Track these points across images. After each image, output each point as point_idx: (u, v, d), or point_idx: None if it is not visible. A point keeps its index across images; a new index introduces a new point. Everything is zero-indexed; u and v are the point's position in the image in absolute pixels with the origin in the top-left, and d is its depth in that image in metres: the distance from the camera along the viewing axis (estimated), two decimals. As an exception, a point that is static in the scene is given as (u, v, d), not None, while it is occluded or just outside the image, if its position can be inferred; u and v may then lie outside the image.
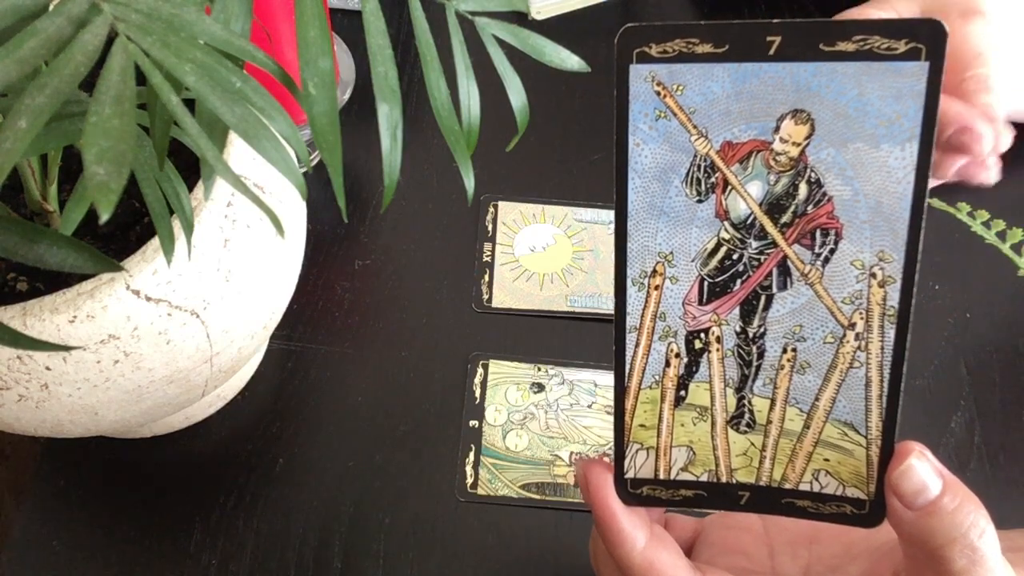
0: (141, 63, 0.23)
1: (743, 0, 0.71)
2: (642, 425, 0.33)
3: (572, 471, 0.50)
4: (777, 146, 0.29)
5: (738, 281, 0.31)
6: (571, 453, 0.51)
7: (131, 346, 0.37)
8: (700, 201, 0.30)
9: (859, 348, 0.31)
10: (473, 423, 0.52)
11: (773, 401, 0.32)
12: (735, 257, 0.31)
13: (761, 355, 0.32)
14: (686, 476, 0.33)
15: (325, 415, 0.52)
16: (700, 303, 0.32)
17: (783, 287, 0.31)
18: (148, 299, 0.37)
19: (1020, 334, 0.55)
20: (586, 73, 0.33)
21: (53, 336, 0.36)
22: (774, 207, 0.30)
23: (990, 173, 0.42)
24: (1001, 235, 0.49)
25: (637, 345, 0.32)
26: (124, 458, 0.51)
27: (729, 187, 0.30)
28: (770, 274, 0.31)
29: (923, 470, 0.30)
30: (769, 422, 0.32)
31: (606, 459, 0.34)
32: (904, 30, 0.27)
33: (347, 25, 0.68)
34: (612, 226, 0.60)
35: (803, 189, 0.30)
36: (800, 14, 0.70)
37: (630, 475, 0.34)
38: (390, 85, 0.29)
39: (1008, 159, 0.43)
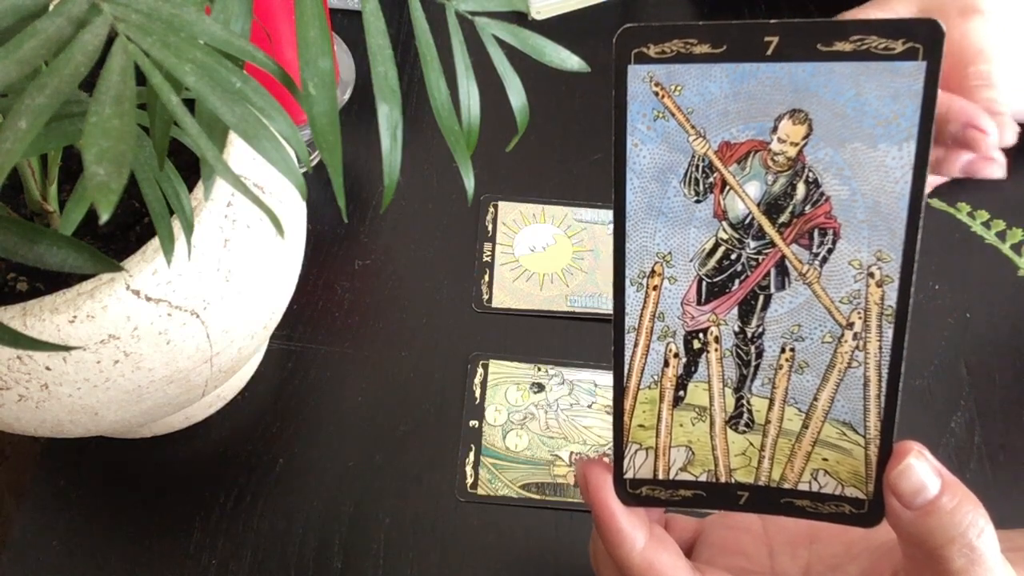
0: (141, 63, 0.23)
1: (743, 0, 0.71)
2: (641, 425, 0.33)
3: (572, 471, 0.50)
4: (775, 146, 0.29)
5: (736, 281, 0.31)
6: (571, 453, 0.51)
7: (131, 346, 0.37)
8: (698, 201, 0.30)
9: (857, 348, 0.31)
10: (473, 423, 0.52)
11: (772, 401, 0.32)
12: (733, 257, 0.31)
13: (759, 355, 0.32)
14: (685, 476, 0.33)
15: (325, 415, 0.52)
16: (698, 303, 0.32)
17: (781, 287, 0.31)
18: (148, 299, 0.37)
19: (1020, 334, 0.55)
20: (586, 73, 0.33)
21: (53, 336, 0.36)
22: (772, 207, 0.30)
23: (996, 168, 0.42)
24: (1001, 235, 0.49)
25: (636, 345, 0.32)
26: (124, 458, 0.51)
27: (727, 187, 0.30)
28: (768, 274, 0.31)
29: (922, 470, 0.30)
30: (768, 422, 0.32)
31: (606, 459, 0.34)
32: (901, 30, 0.27)
33: (347, 25, 0.68)
34: (612, 226, 0.60)
35: (801, 189, 0.30)
36: (800, 14, 0.70)
37: (629, 475, 0.34)
38: (390, 85, 0.29)
39: (1008, 159, 0.43)
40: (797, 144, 0.29)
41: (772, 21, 0.28)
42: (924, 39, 0.27)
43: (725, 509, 0.34)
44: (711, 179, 0.30)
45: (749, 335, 0.32)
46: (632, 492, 0.34)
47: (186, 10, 0.25)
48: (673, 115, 0.29)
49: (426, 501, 0.49)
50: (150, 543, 0.48)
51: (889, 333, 0.30)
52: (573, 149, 0.63)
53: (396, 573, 0.47)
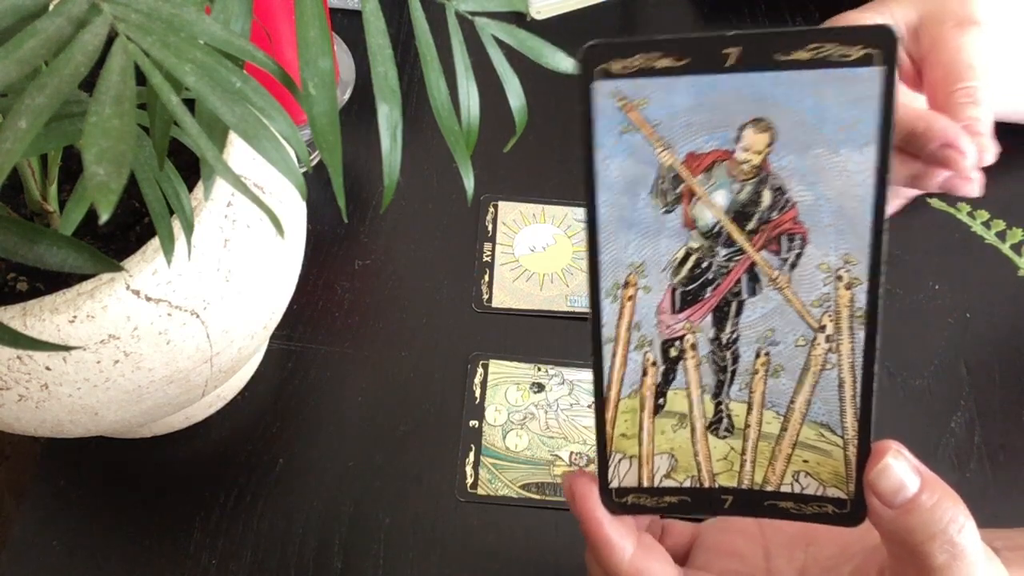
0: (141, 63, 0.23)
1: (743, 0, 0.71)
2: (623, 434, 0.33)
3: (572, 471, 0.50)
4: (739, 155, 0.30)
5: (709, 289, 0.32)
6: (571, 453, 0.51)
7: (131, 346, 0.37)
8: (668, 212, 0.31)
9: (830, 350, 0.31)
10: (473, 423, 0.52)
11: (750, 405, 0.33)
12: (705, 265, 0.31)
13: (735, 360, 0.32)
14: (669, 483, 0.34)
15: (325, 415, 0.52)
16: (673, 312, 0.32)
17: (753, 293, 0.31)
18: (148, 299, 0.37)
19: (1020, 334, 0.55)
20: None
21: (53, 336, 0.36)
22: (740, 215, 0.31)
23: (973, 186, 0.42)
24: (1001, 235, 0.49)
25: (614, 356, 0.33)
26: (124, 458, 0.51)
27: (695, 197, 0.30)
28: (739, 280, 0.31)
29: (900, 468, 0.31)
30: (747, 426, 0.33)
31: (590, 469, 0.34)
32: (857, 37, 0.28)
33: (347, 25, 0.68)
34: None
35: (767, 196, 0.30)
36: (801, 14, 0.70)
37: (614, 485, 0.34)
38: (390, 85, 0.29)
39: (1008, 159, 0.43)
40: (761, 152, 0.29)
41: (731, 33, 0.28)
42: (880, 45, 0.27)
43: (711, 514, 0.34)
44: (679, 190, 0.30)
45: (724, 341, 0.32)
46: (618, 501, 0.34)
47: (186, 10, 0.25)
48: (639, 129, 0.30)
49: (426, 501, 0.49)
50: (150, 543, 0.48)
51: (861, 334, 0.31)
52: (573, 149, 0.63)
53: (396, 573, 0.47)
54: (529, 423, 0.52)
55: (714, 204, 0.30)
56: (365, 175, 0.62)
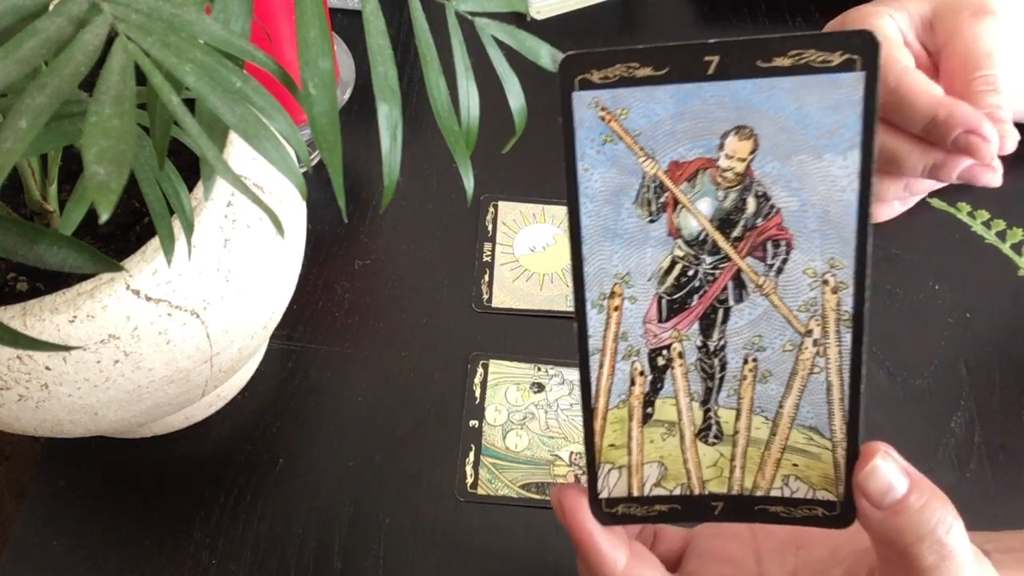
0: (141, 63, 0.23)
1: (743, 0, 0.71)
2: (612, 445, 0.33)
3: (572, 471, 0.50)
4: (723, 163, 0.30)
5: (695, 297, 0.32)
6: (571, 453, 0.51)
7: (131, 346, 0.37)
8: (652, 221, 0.31)
9: (818, 354, 0.31)
10: (473, 423, 0.52)
11: (738, 411, 0.33)
12: (690, 273, 0.31)
13: (723, 367, 0.32)
14: (660, 491, 0.34)
15: (325, 415, 0.52)
16: (660, 321, 0.32)
17: (739, 299, 0.32)
18: (148, 299, 0.37)
19: (1020, 334, 0.55)
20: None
21: (53, 336, 0.36)
22: (725, 222, 0.31)
23: (995, 175, 0.42)
24: (1001, 235, 0.49)
25: (601, 366, 0.33)
26: (124, 458, 0.51)
27: (679, 206, 0.30)
28: (726, 288, 0.31)
29: (888, 470, 0.31)
30: (736, 432, 0.33)
31: (576, 481, 0.34)
32: (838, 43, 0.28)
33: (347, 25, 0.68)
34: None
35: (751, 203, 0.30)
36: (801, 14, 0.70)
37: (604, 495, 0.34)
38: (390, 85, 0.29)
39: (1009, 159, 0.42)
40: (744, 159, 0.30)
41: (711, 41, 0.28)
42: (861, 50, 0.28)
43: (702, 520, 0.35)
44: (663, 198, 0.30)
45: (712, 348, 0.32)
46: (609, 511, 0.34)
47: (186, 10, 0.25)
48: (621, 138, 0.30)
49: (426, 501, 0.49)
50: (150, 543, 0.48)
51: (848, 338, 0.31)
52: (573, 149, 0.63)
53: (396, 573, 0.47)
54: (529, 423, 0.52)
55: (698, 212, 0.31)
56: (365, 175, 0.62)
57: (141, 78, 0.24)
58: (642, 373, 0.33)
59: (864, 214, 0.29)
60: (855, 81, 0.28)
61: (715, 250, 0.31)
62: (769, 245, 0.31)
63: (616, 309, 0.32)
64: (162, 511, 0.49)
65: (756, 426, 0.33)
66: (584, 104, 0.29)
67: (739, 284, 0.31)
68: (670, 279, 0.31)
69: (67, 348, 0.36)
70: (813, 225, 0.30)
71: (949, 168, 0.42)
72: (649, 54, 0.28)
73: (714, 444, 0.33)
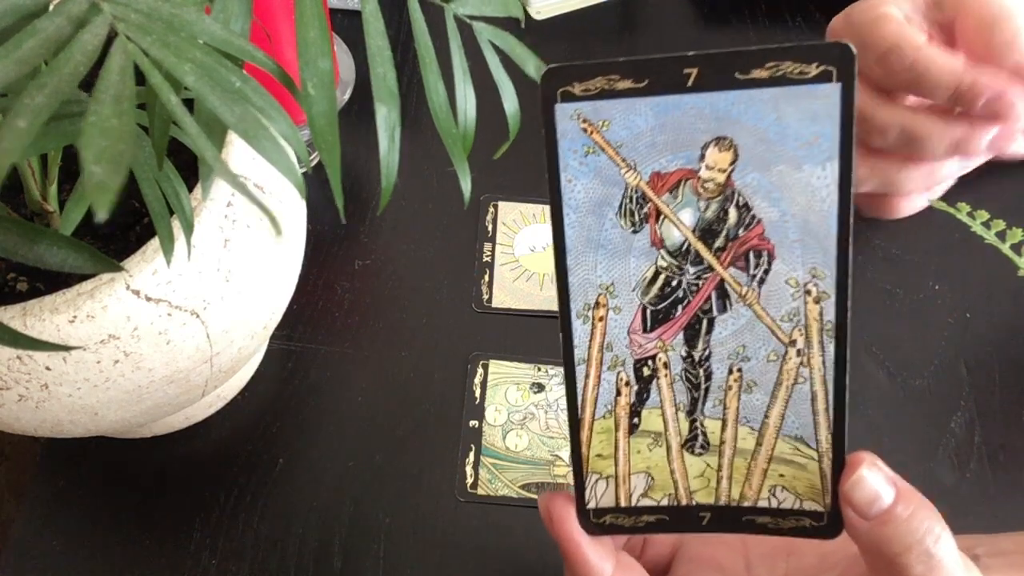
0: (140, 63, 0.23)
1: (743, 0, 0.71)
2: (599, 455, 0.34)
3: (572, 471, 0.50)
4: (704, 174, 0.30)
5: (679, 307, 0.32)
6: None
7: (131, 346, 0.37)
8: (635, 231, 0.31)
9: (802, 364, 0.31)
10: (473, 423, 0.52)
11: (724, 422, 0.33)
12: (674, 284, 0.32)
13: (708, 377, 0.32)
14: (647, 502, 0.34)
15: (325, 415, 0.52)
16: (644, 331, 0.32)
17: (723, 310, 0.32)
18: (148, 299, 0.37)
19: (1020, 334, 0.55)
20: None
21: (53, 336, 0.36)
22: (707, 232, 0.31)
23: (1022, 144, 0.41)
24: (1001, 235, 0.49)
25: (587, 377, 0.33)
26: (124, 458, 0.51)
27: (662, 216, 0.31)
28: (709, 298, 0.32)
29: (875, 480, 0.30)
30: (722, 442, 0.33)
31: (563, 491, 0.34)
32: (814, 54, 0.28)
33: (347, 25, 0.68)
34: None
35: (733, 213, 0.30)
36: (801, 14, 0.70)
37: (592, 505, 0.34)
38: (389, 87, 0.29)
39: (1009, 160, 0.43)
40: (725, 170, 0.30)
41: (690, 54, 0.28)
42: (837, 61, 0.28)
43: (689, 531, 0.34)
44: (645, 209, 0.31)
45: (697, 359, 0.32)
46: (596, 522, 0.34)
47: (186, 10, 0.25)
48: (603, 150, 0.30)
49: (426, 501, 0.49)
50: (150, 543, 0.48)
51: (831, 348, 0.31)
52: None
53: (396, 573, 0.47)
54: (529, 423, 0.52)
55: (681, 223, 0.31)
56: (365, 175, 0.62)
57: (140, 78, 0.24)
58: (628, 383, 0.33)
59: (844, 223, 0.30)
60: (832, 92, 0.28)
61: (698, 260, 0.31)
62: (751, 255, 0.31)
63: (601, 319, 0.32)
64: (162, 511, 0.49)
65: (742, 436, 0.33)
66: (566, 116, 0.30)
67: (722, 294, 0.31)
68: (654, 289, 0.32)
69: (67, 348, 0.36)
70: (794, 235, 0.30)
71: (975, 140, 0.41)
72: (629, 67, 0.29)
73: (700, 454, 0.33)
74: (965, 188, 0.45)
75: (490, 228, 0.59)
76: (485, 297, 0.56)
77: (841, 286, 0.30)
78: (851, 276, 0.30)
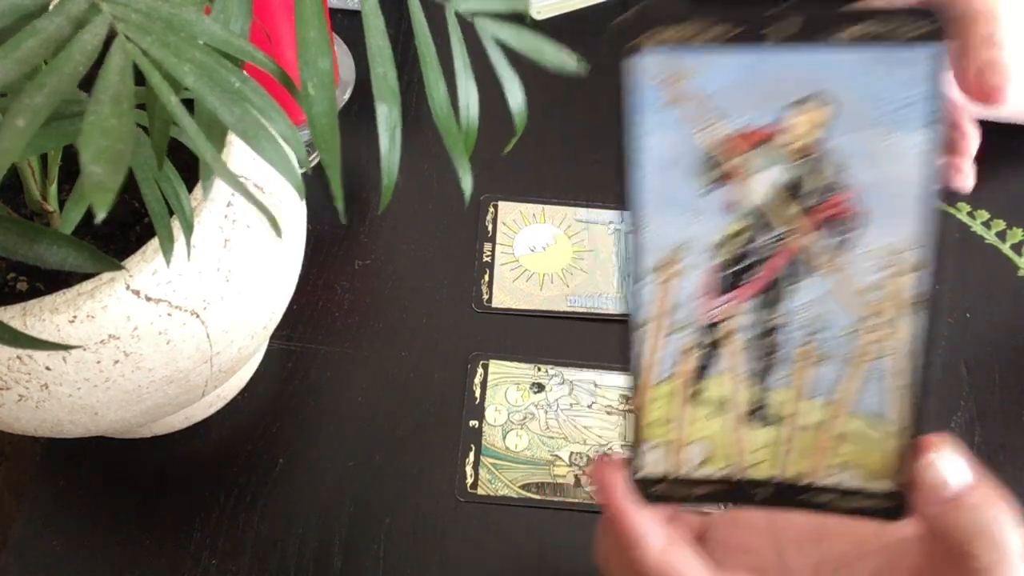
0: (140, 63, 0.23)
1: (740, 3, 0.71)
2: (657, 421, 0.32)
3: (572, 471, 0.50)
4: (790, 134, 0.28)
5: (753, 272, 0.30)
6: (571, 453, 0.51)
7: (131, 346, 0.37)
8: (713, 190, 0.29)
9: (881, 338, 0.30)
10: (473, 423, 0.52)
11: (793, 393, 0.31)
12: (750, 247, 0.30)
13: (779, 347, 0.31)
14: (702, 473, 0.32)
15: (325, 415, 0.52)
16: (715, 295, 0.31)
17: (800, 277, 0.30)
18: (148, 299, 0.37)
19: (1020, 334, 0.55)
20: (587, 72, 0.33)
21: (53, 336, 0.36)
22: (789, 195, 0.29)
23: (967, 178, 0.41)
24: (1001, 235, 0.49)
25: (651, 339, 0.31)
26: (124, 458, 0.51)
27: (742, 176, 0.29)
28: (786, 264, 0.30)
29: (951, 462, 0.29)
30: (788, 415, 0.31)
31: (615, 457, 0.33)
32: (915, 16, 0.27)
33: (347, 25, 0.68)
34: (612, 226, 0.59)
35: (818, 178, 0.29)
36: None
37: (644, 473, 0.32)
38: (389, 85, 0.29)
39: (1008, 159, 0.43)
40: (813, 131, 0.28)
41: (786, 5, 0.27)
42: (936, 25, 0.27)
43: (743, 506, 0.33)
44: (725, 168, 0.29)
45: (768, 327, 0.31)
46: (648, 491, 0.32)
47: (185, 10, 0.25)
48: (684, 103, 0.28)
49: (426, 501, 0.49)
50: (150, 543, 0.48)
51: (914, 321, 0.29)
52: (573, 149, 0.63)
53: (396, 573, 0.47)
54: (529, 423, 0.52)
55: (762, 184, 0.29)
56: (365, 175, 0.62)
57: (140, 78, 0.24)
58: (693, 348, 0.31)
59: (934, 193, 0.28)
60: (930, 55, 0.27)
61: (777, 224, 0.30)
62: (835, 222, 0.29)
63: (670, 280, 0.31)
64: (162, 511, 0.49)
65: (811, 410, 0.31)
66: (646, 65, 0.28)
67: (800, 261, 0.30)
68: (729, 252, 0.30)
69: (67, 348, 0.36)
70: (882, 202, 0.28)
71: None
72: (721, 16, 0.27)
73: (763, 427, 0.32)
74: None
75: (490, 228, 0.59)
76: (485, 297, 0.56)
77: (928, 257, 0.29)
78: (940, 247, 0.29)
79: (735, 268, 0.30)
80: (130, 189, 0.40)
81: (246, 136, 0.25)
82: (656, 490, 0.33)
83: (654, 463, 0.32)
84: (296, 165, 0.28)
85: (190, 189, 0.38)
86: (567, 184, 0.61)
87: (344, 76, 0.64)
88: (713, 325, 0.31)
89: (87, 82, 0.23)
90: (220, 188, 0.39)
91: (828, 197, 0.29)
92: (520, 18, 0.35)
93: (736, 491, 0.33)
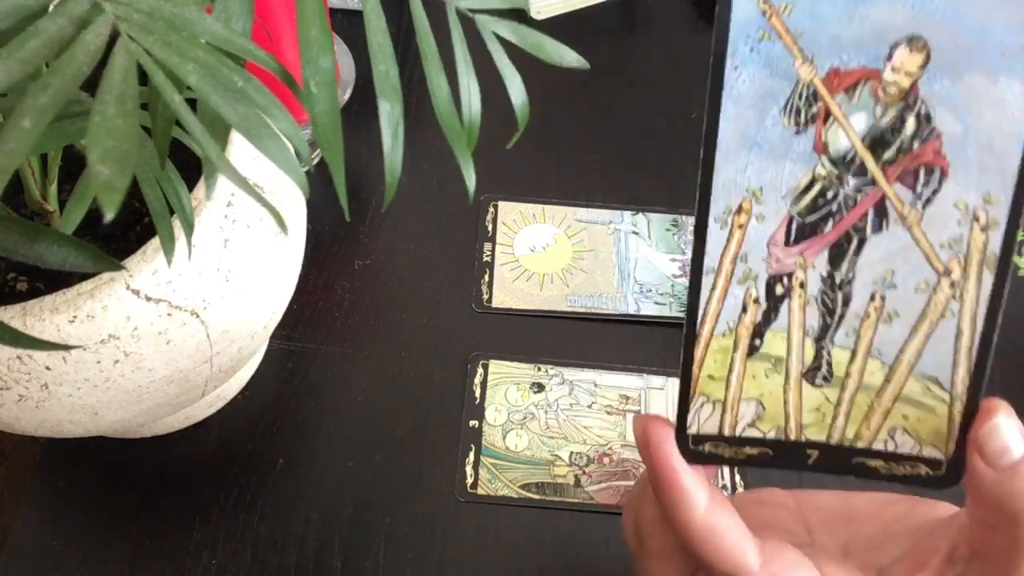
0: (144, 63, 0.23)
1: None
2: (710, 376, 0.31)
3: (572, 471, 0.50)
4: (888, 76, 0.27)
5: (830, 222, 0.29)
6: (571, 453, 0.51)
7: (131, 346, 0.37)
8: (798, 133, 0.28)
9: (953, 297, 0.29)
10: (473, 423, 0.52)
11: (854, 353, 0.30)
12: (830, 195, 0.29)
13: (846, 303, 0.30)
14: (753, 432, 0.31)
15: (325, 415, 0.52)
16: (786, 244, 0.29)
17: (878, 229, 0.29)
18: (148, 299, 0.37)
19: (1020, 334, 0.55)
20: (587, 72, 0.33)
21: (53, 336, 0.36)
22: (878, 142, 0.28)
23: None
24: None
25: (713, 289, 0.30)
26: (124, 458, 0.51)
27: (831, 119, 0.28)
28: (865, 215, 0.29)
29: (1010, 429, 0.29)
30: (847, 375, 0.30)
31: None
32: None
33: (347, 25, 0.68)
34: (612, 226, 0.59)
35: (911, 124, 0.28)
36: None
37: (693, 430, 0.31)
38: (391, 83, 0.29)
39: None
40: (912, 74, 0.27)
41: None
42: None
43: (792, 468, 0.32)
44: (814, 109, 0.28)
45: (837, 281, 0.30)
46: (695, 449, 0.31)
47: (187, 9, 0.25)
48: (780, 37, 0.27)
49: (426, 501, 0.49)
50: (150, 543, 0.48)
51: (989, 282, 0.28)
52: (573, 149, 0.63)
53: (396, 573, 0.47)
54: (529, 423, 0.52)
55: (851, 128, 0.28)
56: (365, 175, 0.62)
57: (142, 78, 0.24)
58: (756, 300, 0.30)
59: None
60: None
61: (861, 171, 0.28)
62: (922, 171, 0.28)
63: (741, 227, 0.29)
64: (162, 511, 0.49)
65: (871, 371, 0.30)
66: None
67: (881, 212, 0.29)
68: (806, 199, 0.29)
69: (67, 348, 0.36)
70: (973, 154, 0.27)
71: None
72: None
73: (821, 386, 0.30)
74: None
75: (490, 228, 0.59)
76: (485, 297, 0.56)
77: (1014, 215, 0.28)
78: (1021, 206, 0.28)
79: (812, 217, 0.29)
80: (131, 189, 0.40)
81: (250, 134, 0.25)
82: (703, 448, 0.31)
83: (704, 420, 0.31)
84: (299, 163, 0.28)
85: (190, 189, 0.38)
86: (567, 184, 0.61)
87: (344, 76, 0.64)
88: (780, 277, 0.30)
89: (88, 83, 0.23)
90: (220, 188, 0.39)
91: (919, 144, 0.28)
92: (520, 15, 0.34)
93: (786, 454, 0.31)
